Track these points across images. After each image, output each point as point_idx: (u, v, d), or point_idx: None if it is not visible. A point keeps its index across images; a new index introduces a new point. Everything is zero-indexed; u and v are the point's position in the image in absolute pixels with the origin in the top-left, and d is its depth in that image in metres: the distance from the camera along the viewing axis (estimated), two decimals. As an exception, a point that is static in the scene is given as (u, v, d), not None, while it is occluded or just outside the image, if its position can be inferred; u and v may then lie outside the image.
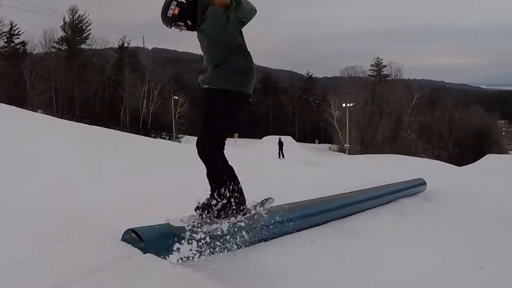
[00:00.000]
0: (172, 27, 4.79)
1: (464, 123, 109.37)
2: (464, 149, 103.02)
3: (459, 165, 55.84)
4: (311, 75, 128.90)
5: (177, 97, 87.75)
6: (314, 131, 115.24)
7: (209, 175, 4.96)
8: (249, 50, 5.01)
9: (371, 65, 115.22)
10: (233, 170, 4.96)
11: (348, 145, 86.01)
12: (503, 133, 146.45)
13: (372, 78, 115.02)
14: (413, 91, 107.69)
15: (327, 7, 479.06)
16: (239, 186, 4.95)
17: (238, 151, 29.84)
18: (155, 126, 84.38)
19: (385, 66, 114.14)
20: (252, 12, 4.62)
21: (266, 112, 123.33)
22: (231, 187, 4.80)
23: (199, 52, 5.30)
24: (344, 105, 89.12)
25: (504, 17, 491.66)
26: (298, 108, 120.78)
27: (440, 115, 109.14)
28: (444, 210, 10.18)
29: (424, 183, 14.59)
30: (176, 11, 4.65)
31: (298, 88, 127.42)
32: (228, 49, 4.87)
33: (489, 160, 56.32)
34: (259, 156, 32.24)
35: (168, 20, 4.72)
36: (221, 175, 4.88)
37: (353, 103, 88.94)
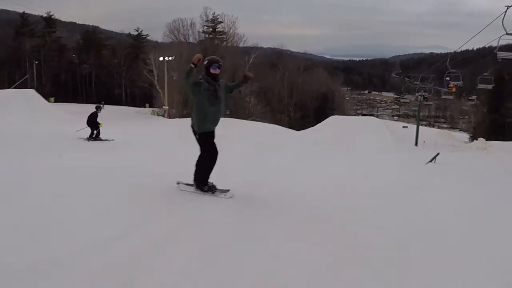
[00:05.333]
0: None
1: (307, 87, 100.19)
2: (307, 112, 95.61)
3: (301, 129, 52.31)
4: (141, 31, 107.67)
5: None
6: (145, 94, 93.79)
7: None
8: None
9: (206, 21, 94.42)
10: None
11: (167, 107, 67.85)
12: (347, 98, 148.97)
13: (206, 35, 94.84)
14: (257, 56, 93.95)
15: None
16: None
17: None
18: None
19: (221, 22, 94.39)
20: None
21: (88, 73, 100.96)
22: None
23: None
24: (161, 58, 70.29)
25: None
26: (125, 68, 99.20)
27: (281, 78, 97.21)
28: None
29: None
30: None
31: (127, 46, 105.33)
32: None
33: (333, 121, 48.41)
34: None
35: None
36: None
37: (173, 57, 69.97)
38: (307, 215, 7.34)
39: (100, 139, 22.25)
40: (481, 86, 35.48)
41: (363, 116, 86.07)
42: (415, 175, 14.33)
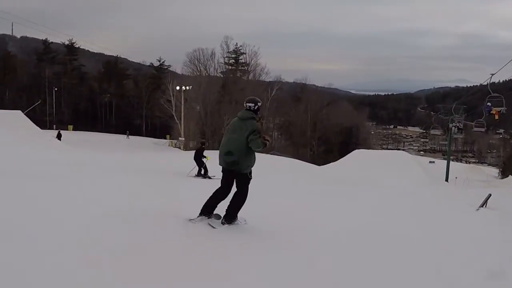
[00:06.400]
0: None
1: (331, 121, 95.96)
2: (331, 146, 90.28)
3: (324, 164, 49.77)
4: (163, 62, 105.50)
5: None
6: (166, 125, 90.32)
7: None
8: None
9: (228, 52, 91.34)
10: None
11: (183, 139, 64.46)
12: (372, 133, 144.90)
13: (229, 67, 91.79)
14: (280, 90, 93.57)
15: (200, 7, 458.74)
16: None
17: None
18: None
19: (243, 53, 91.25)
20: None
21: (109, 102, 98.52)
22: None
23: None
24: (178, 88, 67.03)
25: (372, 27, 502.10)
26: (146, 99, 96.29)
27: (304, 111, 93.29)
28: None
29: None
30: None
31: (148, 76, 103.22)
32: None
33: (358, 155, 45.48)
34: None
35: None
36: None
37: (191, 86, 66.71)
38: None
39: (209, 177, 20.26)
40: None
41: (391, 150, 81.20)
42: (479, 240, 9.49)
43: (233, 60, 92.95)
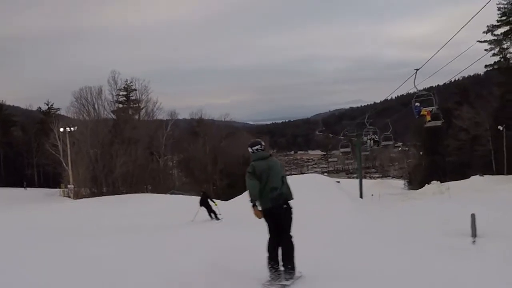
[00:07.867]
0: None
1: (232, 152, 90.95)
2: (235, 179, 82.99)
3: (229, 198, 44.53)
4: (51, 105, 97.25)
5: None
6: (58, 172, 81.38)
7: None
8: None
9: (119, 89, 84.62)
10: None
11: (72, 186, 57.77)
12: None
13: (119, 105, 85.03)
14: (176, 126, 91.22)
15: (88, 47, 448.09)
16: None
17: None
18: None
19: (134, 89, 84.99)
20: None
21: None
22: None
23: None
24: (62, 129, 60.53)
25: (262, 58, 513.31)
26: (36, 146, 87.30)
27: (202, 145, 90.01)
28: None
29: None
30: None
31: (36, 122, 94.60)
32: None
33: None
34: None
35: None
36: None
37: (75, 127, 60.30)
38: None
39: (218, 219, 22.58)
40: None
41: (304, 174, 78.61)
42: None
43: (124, 98, 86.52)
